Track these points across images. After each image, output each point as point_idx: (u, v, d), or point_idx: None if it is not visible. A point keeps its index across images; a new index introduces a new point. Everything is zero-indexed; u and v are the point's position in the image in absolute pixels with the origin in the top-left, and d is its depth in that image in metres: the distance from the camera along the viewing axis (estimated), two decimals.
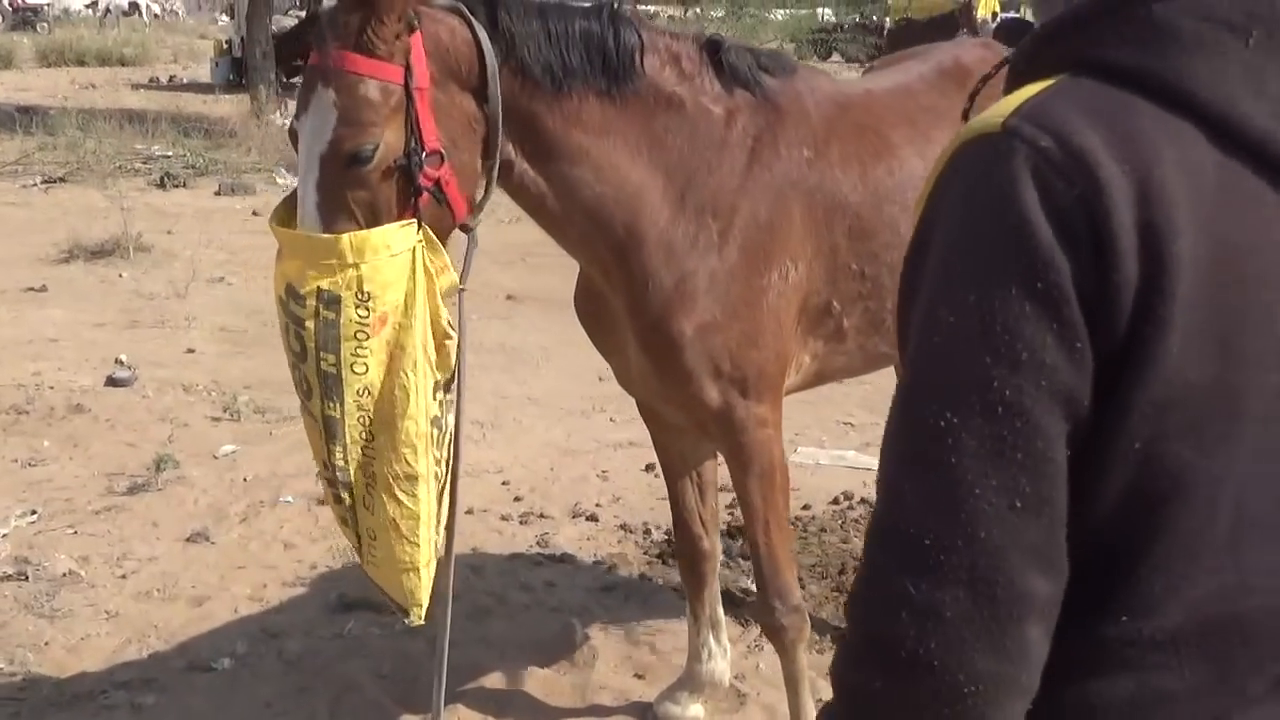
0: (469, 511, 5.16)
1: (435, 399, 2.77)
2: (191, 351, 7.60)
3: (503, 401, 6.73)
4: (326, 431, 2.69)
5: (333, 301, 2.58)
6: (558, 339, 7.91)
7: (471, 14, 2.75)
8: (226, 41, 27.12)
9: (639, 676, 3.98)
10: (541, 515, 5.24)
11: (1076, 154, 1.14)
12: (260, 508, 5.21)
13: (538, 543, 4.95)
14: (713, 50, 3.09)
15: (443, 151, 2.65)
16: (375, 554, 2.80)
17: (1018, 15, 43.95)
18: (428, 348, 2.72)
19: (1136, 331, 1.13)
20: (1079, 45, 1.24)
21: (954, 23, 28.94)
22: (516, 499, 5.41)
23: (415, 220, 2.63)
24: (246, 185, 13.40)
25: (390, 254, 2.61)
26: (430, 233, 2.66)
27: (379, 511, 2.73)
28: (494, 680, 3.92)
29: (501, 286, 9.39)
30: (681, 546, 3.69)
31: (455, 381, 2.87)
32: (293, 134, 2.69)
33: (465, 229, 2.83)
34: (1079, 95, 1.20)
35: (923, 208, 1.25)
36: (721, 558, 3.93)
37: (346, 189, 2.59)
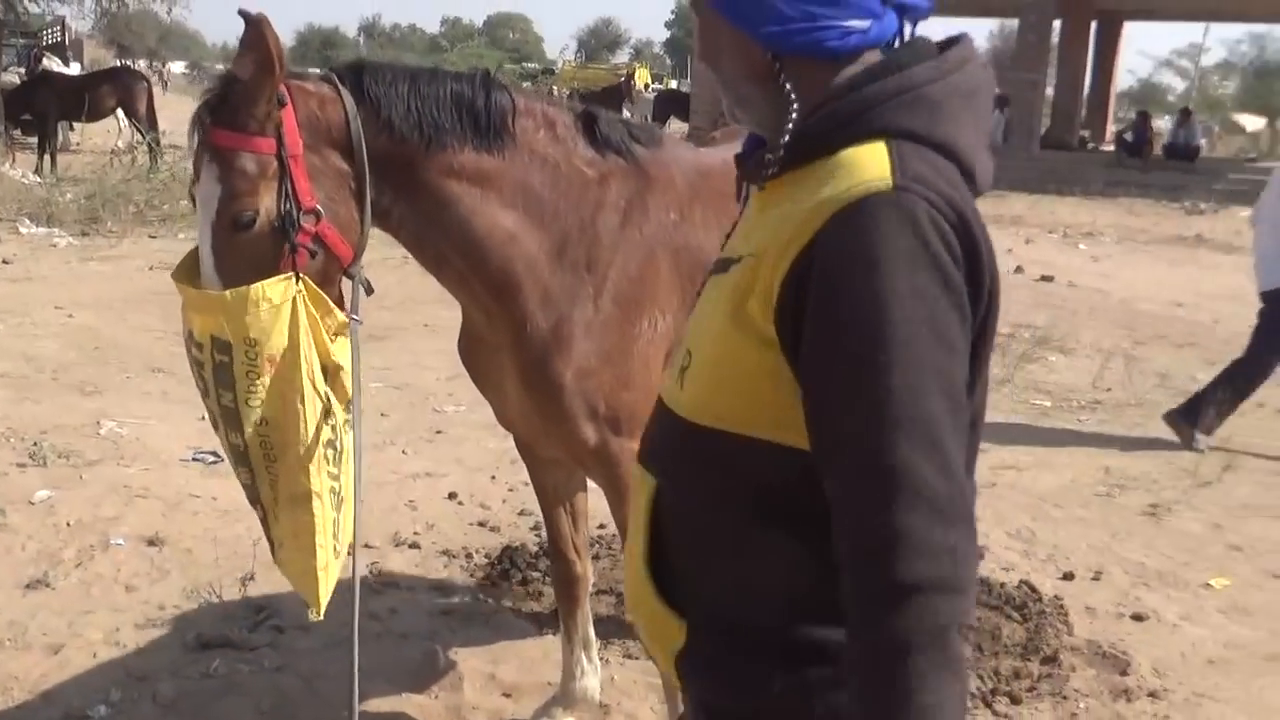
0: None
1: (328, 424, 2.75)
2: None
3: None
4: (233, 457, 2.75)
5: (224, 347, 2.59)
6: None
7: (341, 82, 2.70)
8: None
9: (506, 695, 3.78)
10: (366, 545, 4.95)
11: (950, 202, 1.43)
12: (92, 551, 4.71)
13: (369, 572, 4.67)
14: (587, 120, 3.03)
15: (319, 209, 2.61)
16: (285, 557, 2.82)
17: (666, 88, 45.54)
18: (316, 381, 2.71)
19: (985, 323, 1.49)
20: (879, 119, 1.48)
21: (619, 93, 29.61)
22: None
23: (293, 274, 2.60)
24: None
25: (270, 305, 2.59)
26: (310, 282, 2.64)
27: (284, 522, 2.76)
28: (371, 707, 3.64)
29: None
30: (557, 570, 3.56)
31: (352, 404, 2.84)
32: (192, 198, 2.66)
33: (348, 274, 2.76)
34: (919, 157, 1.46)
35: (836, 256, 1.40)
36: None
37: (236, 249, 2.56)
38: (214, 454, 5.89)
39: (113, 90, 19.92)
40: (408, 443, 6.37)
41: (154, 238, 12.85)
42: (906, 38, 1.61)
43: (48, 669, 3.82)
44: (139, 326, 8.81)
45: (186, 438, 6.19)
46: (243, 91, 2.52)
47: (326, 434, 2.77)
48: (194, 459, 5.87)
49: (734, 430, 1.52)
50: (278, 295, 2.63)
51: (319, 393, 2.72)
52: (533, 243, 2.89)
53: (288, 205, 2.59)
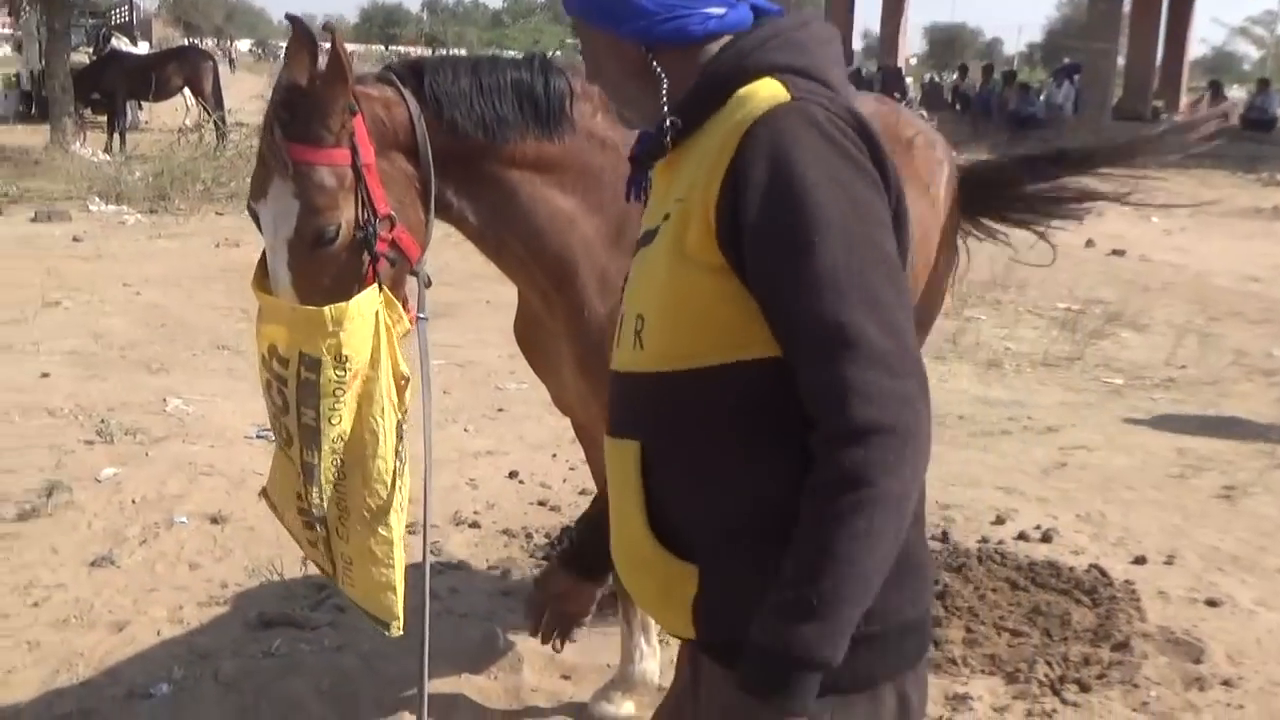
0: None
1: (398, 436, 2.73)
2: (46, 376, 6.93)
3: None
4: (305, 475, 2.67)
5: (313, 364, 2.56)
6: None
7: (402, 82, 2.68)
8: (15, 74, 25.53)
9: (565, 678, 3.76)
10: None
11: (845, 107, 1.64)
12: (157, 529, 4.75)
13: (431, 551, 4.66)
14: None
15: (393, 214, 2.60)
16: (353, 576, 2.75)
17: None
18: (390, 393, 2.70)
19: (897, 219, 1.63)
20: (758, 61, 1.67)
21: None
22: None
23: (377, 284, 2.58)
24: (61, 212, 12.44)
25: (362, 319, 2.58)
26: (388, 292, 2.63)
27: (354, 540, 2.69)
28: (430, 688, 3.61)
29: None
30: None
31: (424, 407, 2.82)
32: (252, 213, 2.61)
33: (413, 272, 2.74)
34: (802, 81, 1.65)
35: (756, 165, 1.55)
36: None
37: (315, 264, 2.54)
38: None
39: (179, 69, 20.15)
40: (469, 420, 6.37)
41: (220, 215, 12.97)
42: None
43: (112, 646, 3.86)
44: (205, 304, 8.90)
45: (252, 415, 6.23)
46: (314, 103, 2.47)
47: (397, 445, 2.76)
48: (258, 436, 5.90)
49: (707, 363, 1.63)
50: (367, 309, 2.63)
51: (394, 405, 2.72)
52: (590, 227, 2.88)
53: (366, 215, 2.58)
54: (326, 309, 2.52)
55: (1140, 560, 4.77)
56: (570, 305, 2.92)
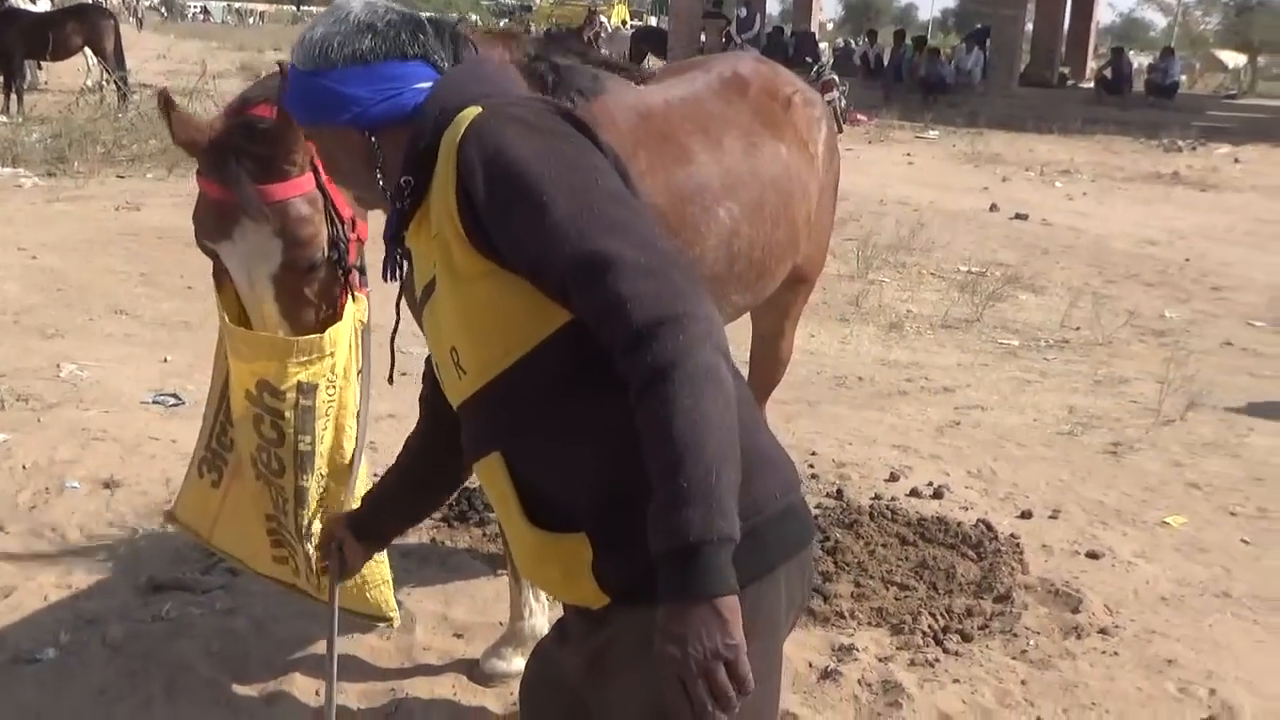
0: None
1: (359, 428, 2.83)
2: None
3: None
4: (297, 500, 2.70)
5: (310, 390, 2.58)
6: None
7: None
8: None
9: (458, 636, 3.78)
10: None
11: (543, 100, 1.95)
12: (47, 495, 4.68)
13: None
14: (538, 70, 2.95)
15: (354, 215, 2.65)
16: (344, 583, 2.66)
17: (644, 24, 45.08)
18: (356, 395, 2.78)
19: (622, 170, 1.85)
20: (455, 99, 1.85)
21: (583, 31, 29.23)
22: None
23: (350, 295, 2.62)
24: None
25: (351, 333, 2.64)
26: (361, 297, 2.67)
27: None
28: (321, 649, 3.62)
29: None
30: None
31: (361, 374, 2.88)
32: (206, 250, 2.59)
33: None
34: (496, 100, 1.84)
35: (473, 164, 1.74)
36: None
37: (304, 291, 2.56)
38: (174, 396, 5.87)
39: (79, 28, 19.54)
40: (372, 385, 6.33)
41: (122, 178, 12.68)
42: None
43: None
44: (104, 268, 8.72)
45: (148, 380, 6.15)
46: (276, 140, 2.50)
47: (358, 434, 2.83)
48: (154, 401, 5.83)
49: (521, 353, 1.78)
50: (350, 322, 2.66)
51: (356, 403, 2.79)
52: None
53: (335, 229, 2.61)
54: (327, 333, 2.56)
55: (1026, 515, 4.90)
56: None
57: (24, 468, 4.93)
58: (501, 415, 1.84)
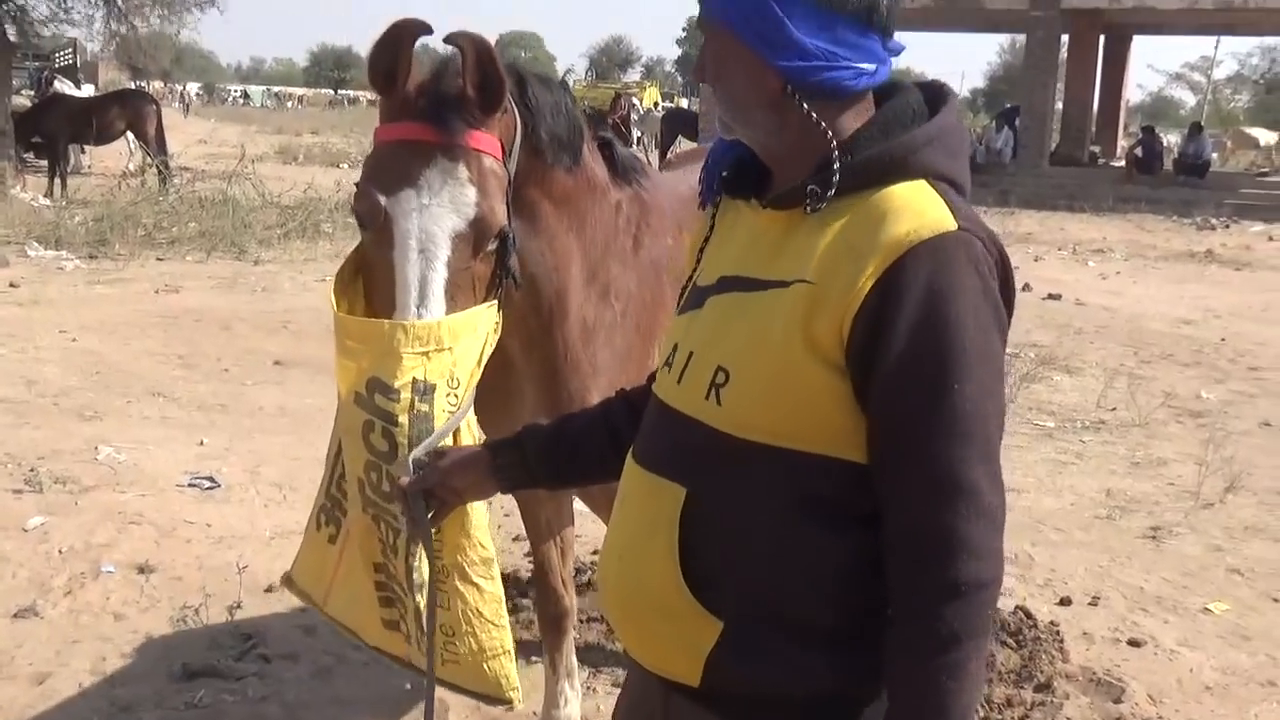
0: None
1: None
2: None
3: (294, 463, 6.31)
4: (412, 536, 2.25)
5: (428, 391, 2.20)
6: (333, 401, 7.48)
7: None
8: None
9: None
10: None
11: (993, 239, 1.61)
12: (83, 579, 4.70)
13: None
14: (603, 144, 2.93)
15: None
16: (456, 649, 2.37)
17: (675, 106, 45.62)
18: (472, 426, 2.35)
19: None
20: (919, 161, 1.62)
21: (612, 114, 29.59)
22: None
23: (497, 300, 2.34)
24: None
25: (475, 336, 2.28)
26: (498, 309, 2.35)
27: (455, 604, 2.31)
28: None
29: (268, 353, 8.91)
30: (544, 604, 3.54)
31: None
32: (377, 212, 2.25)
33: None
34: (957, 197, 1.62)
35: (911, 294, 1.52)
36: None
37: (467, 267, 2.27)
38: (210, 479, 5.90)
39: (121, 113, 20.02)
40: None
41: (161, 260, 12.88)
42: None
43: (32, 699, 3.81)
44: (142, 350, 8.82)
45: (184, 463, 6.18)
46: (485, 86, 2.27)
47: None
48: (190, 484, 5.86)
49: (792, 447, 1.60)
50: (482, 325, 2.33)
51: (474, 437, 2.35)
52: (578, 267, 2.76)
53: (510, 221, 2.36)
54: (444, 321, 2.22)
55: (1065, 601, 4.84)
56: (554, 348, 2.79)
57: (60, 552, 4.95)
58: (721, 471, 1.65)
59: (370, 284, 2.37)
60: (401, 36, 2.25)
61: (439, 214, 2.23)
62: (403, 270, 2.22)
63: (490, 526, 2.39)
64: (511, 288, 2.38)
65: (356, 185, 2.33)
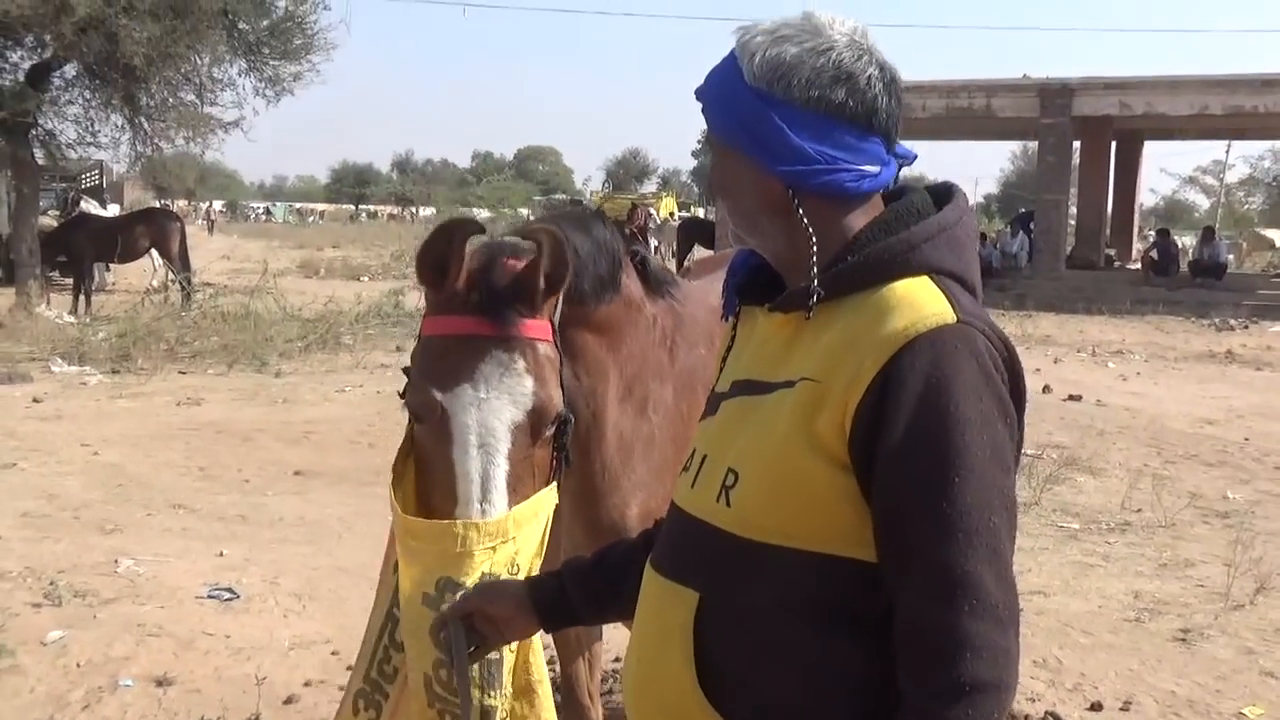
0: (307, 684, 4.78)
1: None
2: None
3: (314, 573, 6.31)
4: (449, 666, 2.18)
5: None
6: (353, 511, 7.58)
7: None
8: None
9: None
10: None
11: (998, 333, 1.60)
12: (100, 693, 4.66)
13: None
14: (634, 257, 2.95)
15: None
16: None
17: (691, 215, 46.15)
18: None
19: (1020, 432, 1.63)
20: (921, 256, 1.62)
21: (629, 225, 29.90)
22: (349, 668, 5.01)
23: (556, 482, 2.35)
24: (22, 374, 12.40)
25: (538, 521, 2.30)
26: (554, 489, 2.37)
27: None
28: None
29: (288, 464, 8.93)
30: (569, 716, 3.48)
31: None
32: (434, 408, 2.25)
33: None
34: (961, 293, 1.62)
35: (910, 386, 1.52)
36: None
37: (527, 456, 2.27)
38: (229, 590, 5.88)
39: (146, 231, 20.36)
40: None
41: (184, 374, 12.99)
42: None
43: None
44: (163, 463, 8.86)
45: (203, 574, 6.17)
46: (530, 278, 2.31)
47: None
48: (209, 595, 5.83)
49: (802, 548, 1.59)
50: (544, 509, 2.34)
51: None
52: (612, 385, 2.77)
53: (566, 401, 2.37)
54: (510, 513, 2.22)
55: (1096, 707, 4.75)
56: (591, 468, 2.78)
57: (78, 665, 4.93)
58: (732, 574, 1.64)
59: (427, 477, 2.35)
60: (454, 234, 2.28)
61: (498, 407, 2.23)
62: (464, 466, 2.22)
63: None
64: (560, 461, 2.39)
65: (407, 375, 2.35)
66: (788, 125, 1.63)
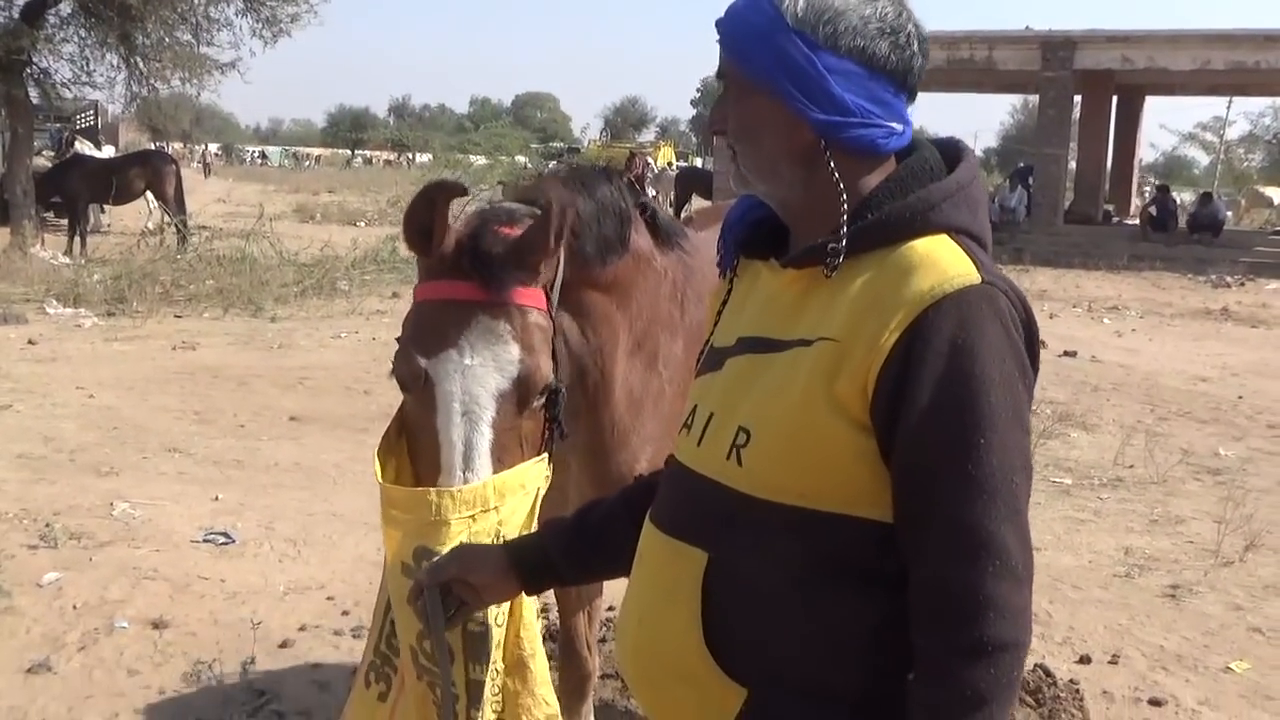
0: (302, 628, 4.81)
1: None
2: None
3: (309, 518, 6.33)
4: (470, 697, 2.24)
5: None
6: (348, 456, 7.59)
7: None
8: None
9: None
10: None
11: (1017, 293, 1.60)
12: (96, 635, 4.68)
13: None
14: (644, 210, 2.91)
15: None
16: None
17: (689, 165, 45.94)
18: None
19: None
20: (940, 215, 1.60)
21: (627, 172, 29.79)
22: (344, 613, 5.04)
23: (548, 454, 2.30)
24: (17, 315, 12.37)
25: (525, 493, 2.24)
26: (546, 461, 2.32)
27: (509, 686, 2.32)
28: None
29: (283, 409, 8.93)
30: (569, 668, 3.50)
31: None
32: (418, 375, 2.20)
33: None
34: (980, 252, 1.61)
35: (935, 348, 1.51)
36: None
37: (513, 426, 2.22)
38: (224, 534, 5.90)
39: (141, 173, 20.24)
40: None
41: (179, 318, 12.97)
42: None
43: None
44: (159, 406, 8.86)
45: (199, 518, 6.19)
46: (525, 245, 2.27)
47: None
48: (205, 539, 5.85)
49: (816, 508, 1.57)
50: (531, 481, 2.29)
51: None
52: (622, 340, 2.74)
53: (558, 370, 2.32)
54: (490, 481, 2.17)
55: (1085, 660, 4.79)
56: (600, 424, 2.77)
57: (74, 607, 4.95)
58: (743, 534, 1.62)
59: (414, 446, 2.32)
60: (435, 198, 2.24)
61: (482, 374, 2.19)
62: (447, 434, 2.18)
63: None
64: (553, 431, 2.34)
65: (398, 342, 2.29)
66: (830, 72, 1.59)
